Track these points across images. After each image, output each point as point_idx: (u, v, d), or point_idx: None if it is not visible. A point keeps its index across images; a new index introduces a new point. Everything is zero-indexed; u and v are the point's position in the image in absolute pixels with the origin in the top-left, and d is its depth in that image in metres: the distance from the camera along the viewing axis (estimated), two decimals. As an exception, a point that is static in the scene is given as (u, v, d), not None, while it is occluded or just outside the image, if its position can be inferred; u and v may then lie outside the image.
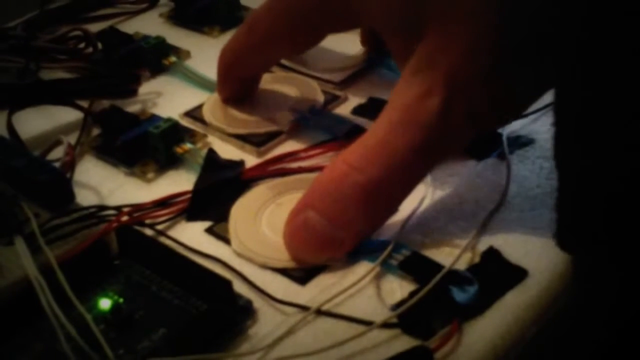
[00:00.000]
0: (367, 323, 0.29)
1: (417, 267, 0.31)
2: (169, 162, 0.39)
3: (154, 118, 0.41)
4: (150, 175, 0.38)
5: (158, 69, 0.47)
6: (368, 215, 0.32)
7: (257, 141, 0.40)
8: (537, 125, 0.38)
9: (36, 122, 0.43)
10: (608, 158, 0.28)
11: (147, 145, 0.39)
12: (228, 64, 0.41)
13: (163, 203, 0.36)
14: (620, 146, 0.28)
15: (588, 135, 0.28)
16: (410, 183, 0.33)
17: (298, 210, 0.32)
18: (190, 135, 0.40)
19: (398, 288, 0.30)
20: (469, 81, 0.31)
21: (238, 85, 0.42)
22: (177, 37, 0.50)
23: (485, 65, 0.31)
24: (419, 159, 0.32)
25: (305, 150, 0.38)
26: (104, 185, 0.38)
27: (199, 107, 0.43)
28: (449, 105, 0.31)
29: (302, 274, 0.32)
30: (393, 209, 0.33)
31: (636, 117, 0.27)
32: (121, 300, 0.31)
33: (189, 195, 0.36)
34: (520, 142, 0.37)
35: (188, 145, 0.39)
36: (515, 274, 0.30)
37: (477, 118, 0.32)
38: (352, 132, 0.39)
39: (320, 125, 0.40)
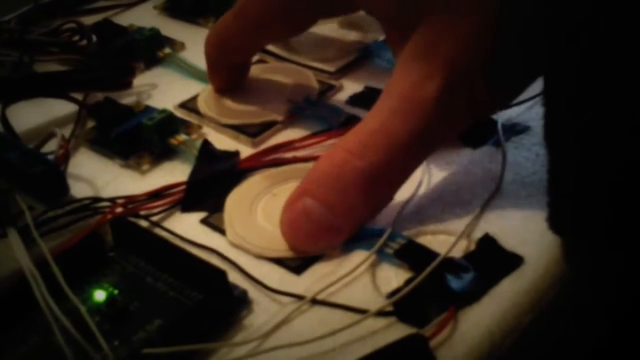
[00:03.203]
0: (363, 311, 0.29)
1: (412, 255, 0.31)
2: (164, 153, 0.39)
3: (149, 110, 0.41)
4: (145, 166, 0.38)
5: (152, 61, 0.47)
6: (367, 201, 0.32)
7: (252, 131, 0.39)
8: (533, 112, 0.38)
9: (30, 115, 0.43)
10: (599, 139, 0.28)
11: (141, 137, 0.39)
12: (215, 48, 0.41)
13: (158, 194, 0.35)
14: (610, 126, 0.28)
15: (577, 115, 0.28)
16: (409, 168, 0.32)
17: (295, 198, 0.32)
18: (185, 126, 0.40)
19: (393, 276, 0.30)
20: (468, 67, 0.31)
21: (228, 71, 0.42)
22: (171, 28, 0.50)
23: (485, 51, 0.31)
24: (418, 145, 0.32)
25: (300, 140, 0.38)
26: (98, 177, 0.38)
27: (194, 99, 0.43)
28: (448, 92, 0.31)
29: (297, 263, 0.32)
30: (391, 195, 0.33)
31: (626, 99, 0.27)
32: (116, 291, 0.31)
33: (183, 187, 0.36)
34: (516, 130, 0.37)
35: (183, 137, 0.39)
36: (511, 261, 0.30)
37: (476, 104, 0.31)
38: (348, 122, 0.39)
39: (315, 115, 0.40)
